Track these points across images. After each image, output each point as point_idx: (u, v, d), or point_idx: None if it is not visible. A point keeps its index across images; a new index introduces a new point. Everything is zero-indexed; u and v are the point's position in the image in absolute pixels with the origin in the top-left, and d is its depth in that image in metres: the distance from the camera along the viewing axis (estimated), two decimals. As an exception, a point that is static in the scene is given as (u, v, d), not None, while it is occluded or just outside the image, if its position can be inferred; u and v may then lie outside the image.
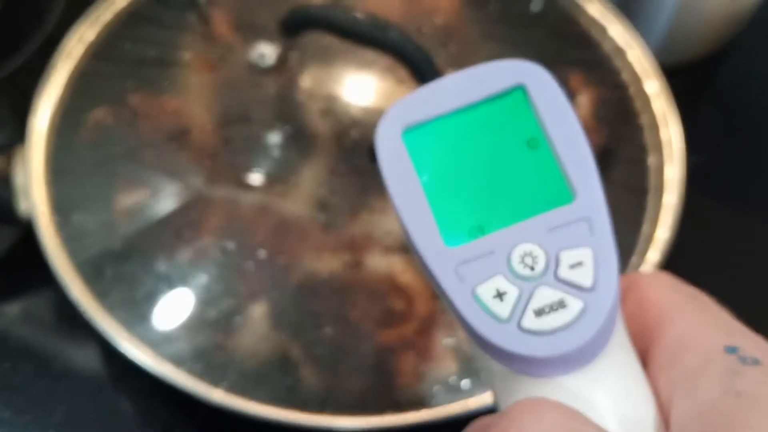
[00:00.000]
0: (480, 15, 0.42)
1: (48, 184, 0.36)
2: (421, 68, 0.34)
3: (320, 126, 0.37)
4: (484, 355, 0.19)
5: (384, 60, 0.38)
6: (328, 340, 0.32)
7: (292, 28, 0.36)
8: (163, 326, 0.33)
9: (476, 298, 0.18)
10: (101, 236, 0.35)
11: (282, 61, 0.38)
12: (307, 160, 0.36)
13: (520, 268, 0.18)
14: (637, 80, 0.40)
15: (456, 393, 0.32)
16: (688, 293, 0.19)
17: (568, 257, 0.18)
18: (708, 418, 0.16)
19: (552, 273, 0.18)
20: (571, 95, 0.39)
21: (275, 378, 0.32)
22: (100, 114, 0.38)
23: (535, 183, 0.19)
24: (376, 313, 0.33)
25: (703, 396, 0.17)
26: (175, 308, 0.33)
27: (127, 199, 0.36)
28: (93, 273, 0.34)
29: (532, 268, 0.18)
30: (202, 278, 0.33)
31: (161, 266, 0.34)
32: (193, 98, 0.38)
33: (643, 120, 0.39)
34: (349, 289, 0.34)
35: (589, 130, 0.38)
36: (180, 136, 0.37)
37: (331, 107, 0.37)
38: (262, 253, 0.34)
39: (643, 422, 0.18)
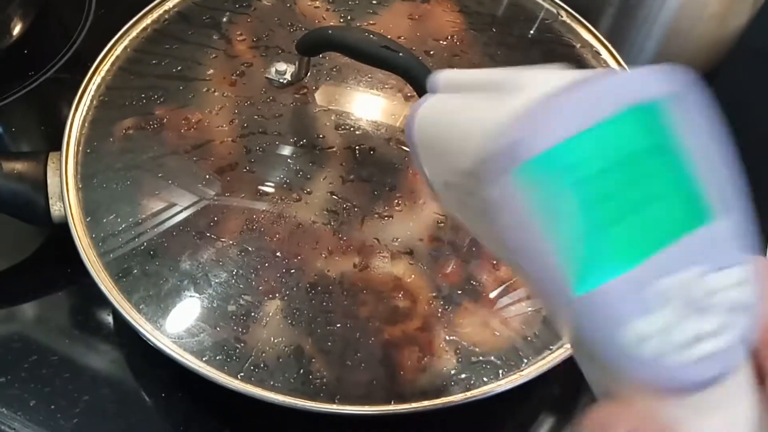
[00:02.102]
0: (482, 38, 0.44)
1: (79, 189, 0.39)
2: (426, 87, 0.37)
3: (333, 139, 0.40)
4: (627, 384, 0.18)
5: (393, 78, 0.41)
6: (338, 335, 0.35)
7: (309, 48, 0.39)
8: (185, 321, 0.35)
9: (622, 338, 0.17)
10: (128, 237, 0.37)
11: (298, 78, 0.41)
12: (320, 170, 0.39)
13: (679, 299, 0.17)
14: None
15: (455, 385, 0.34)
16: None
17: (722, 278, 0.17)
18: None
19: (710, 295, 0.17)
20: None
21: (289, 370, 0.34)
22: (127, 124, 0.41)
23: (675, 201, 0.17)
24: (382, 311, 0.35)
25: None
26: (196, 304, 0.35)
27: (153, 204, 0.38)
28: (121, 271, 0.36)
29: (692, 296, 0.17)
30: (222, 277, 0.36)
31: (184, 265, 0.36)
32: (215, 111, 0.41)
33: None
34: (357, 289, 0.36)
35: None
36: (202, 146, 0.40)
37: (344, 121, 0.40)
38: (278, 255, 0.36)
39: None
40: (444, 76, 0.24)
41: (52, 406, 0.39)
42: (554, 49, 0.45)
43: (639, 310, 0.17)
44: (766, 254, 0.46)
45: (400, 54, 0.35)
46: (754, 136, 0.54)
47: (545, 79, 0.18)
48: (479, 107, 0.19)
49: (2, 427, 0.38)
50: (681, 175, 0.17)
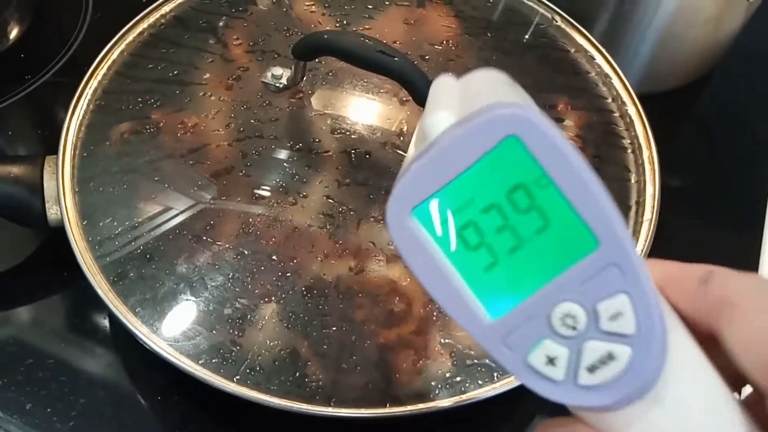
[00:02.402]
0: (477, 43, 0.45)
1: (76, 193, 0.39)
2: (422, 93, 0.37)
3: (329, 143, 0.40)
4: None
5: (389, 83, 0.41)
6: (333, 338, 0.35)
7: (305, 53, 0.39)
8: (181, 324, 0.35)
9: (529, 366, 0.19)
10: (125, 241, 0.37)
11: (294, 83, 0.41)
12: (316, 174, 0.39)
13: (563, 330, 0.18)
14: (621, 105, 0.43)
15: (450, 388, 0.34)
16: (754, 280, 0.19)
17: (606, 308, 0.18)
18: None
19: (594, 327, 0.18)
20: (559, 119, 0.42)
21: (285, 373, 0.34)
22: (124, 128, 0.41)
23: (557, 235, 0.19)
24: (378, 314, 0.36)
25: None
26: (192, 308, 0.36)
27: (149, 207, 0.38)
28: (117, 274, 0.36)
29: (574, 328, 0.18)
30: (219, 280, 0.36)
31: (180, 269, 0.36)
32: (211, 115, 0.41)
33: (626, 142, 0.42)
34: (353, 292, 0.36)
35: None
36: (198, 150, 0.40)
37: (339, 125, 0.40)
38: (273, 259, 0.36)
39: (723, 414, 0.18)
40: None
41: (49, 409, 0.39)
42: (549, 53, 0.46)
43: (534, 339, 0.19)
44: (760, 255, 0.46)
45: (396, 59, 0.35)
46: (748, 139, 0.55)
47: (438, 123, 0.20)
48: (408, 159, 0.22)
49: (-2, 431, 0.38)
50: (557, 205, 0.19)
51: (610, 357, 0.18)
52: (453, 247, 0.19)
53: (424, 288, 0.19)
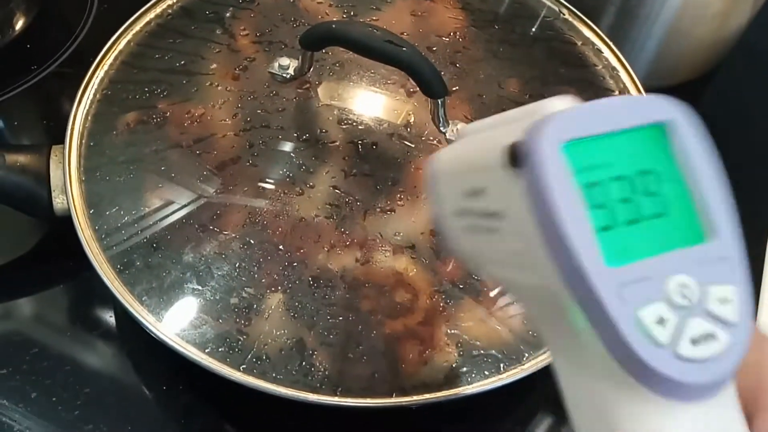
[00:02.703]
0: (485, 35, 0.45)
1: (82, 182, 0.39)
2: (430, 83, 0.37)
3: (335, 133, 0.40)
4: (610, 373, 0.19)
5: (396, 74, 0.41)
6: (340, 328, 0.35)
7: (312, 43, 0.39)
8: (188, 313, 0.35)
9: (638, 321, 0.18)
10: (131, 230, 0.37)
11: (301, 73, 0.41)
12: (322, 165, 0.39)
13: (678, 298, 0.19)
14: (628, 99, 0.43)
15: (457, 378, 0.34)
16: None
17: (717, 292, 0.19)
18: None
19: (703, 305, 0.19)
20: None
21: (291, 362, 0.34)
22: (130, 118, 0.41)
23: (675, 215, 0.20)
24: (384, 305, 0.35)
25: None
26: (199, 297, 0.36)
27: (155, 196, 0.38)
28: (123, 263, 0.36)
29: (689, 299, 0.19)
30: (225, 269, 0.36)
31: (187, 258, 0.36)
32: (218, 105, 0.41)
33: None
34: (359, 283, 0.36)
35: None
36: (205, 140, 0.40)
37: (346, 116, 0.40)
38: (280, 249, 0.36)
39: None
40: (463, 127, 0.27)
41: (54, 398, 0.39)
42: (556, 46, 0.46)
43: (649, 298, 0.19)
44: (766, 249, 0.46)
45: (404, 49, 0.35)
46: (753, 135, 0.55)
47: (559, 104, 0.21)
48: (502, 131, 0.21)
49: (3, 419, 0.38)
50: (686, 194, 0.20)
51: (712, 336, 0.19)
52: (586, 196, 0.19)
53: (547, 219, 0.19)
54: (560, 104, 0.21)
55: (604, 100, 0.20)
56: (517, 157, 0.20)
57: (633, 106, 0.20)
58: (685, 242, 0.19)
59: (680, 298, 0.19)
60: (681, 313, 0.19)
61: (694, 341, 0.19)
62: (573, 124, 0.19)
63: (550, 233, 0.19)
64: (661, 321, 0.19)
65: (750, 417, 0.20)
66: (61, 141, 0.40)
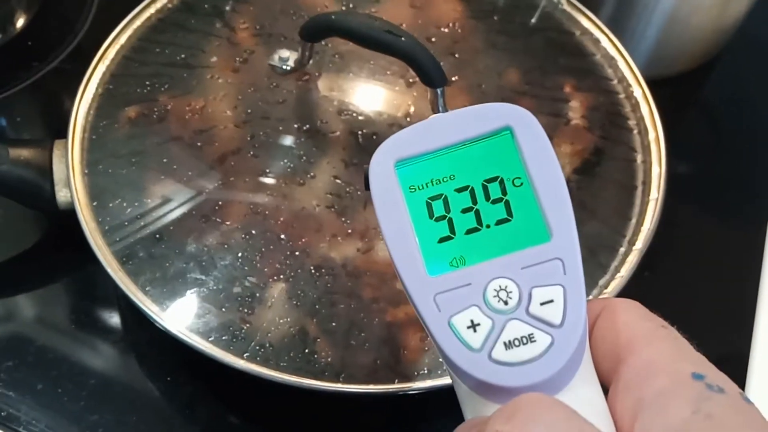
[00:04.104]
0: (483, 26, 0.45)
1: (85, 175, 0.39)
2: (429, 73, 0.37)
3: (336, 124, 0.40)
4: (455, 380, 0.20)
5: (395, 65, 0.41)
6: (342, 316, 0.35)
7: (312, 34, 0.39)
8: (191, 302, 0.35)
9: (451, 326, 0.19)
10: (134, 221, 0.37)
11: (301, 65, 0.41)
12: (323, 155, 0.39)
13: (494, 302, 0.19)
14: (626, 87, 0.43)
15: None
16: (659, 323, 0.20)
17: (539, 294, 0.19)
18: None
19: (524, 308, 0.19)
20: (566, 100, 0.43)
21: (294, 349, 0.34)
22: (132, 111, 0.41)
23: (515, 221, 0.20)
24: (386, 293, 0.36)
25: (673, 415, 0.18)
26: (202, 286, 0.36)
27: (158, 188, 0.38)
28: (127, 254, 0.37)
29: (506, 303, 0.19)
30: (228, 259, 0.36)
31: (190, 248, 0.37)
32: (218, 98, 0.41)
33: (632, 123, 0.42)
34: (361, 272, 0.36)
35: (582, 132, 0.41)
36: (206, 132, 0.40)
37: (346, 107, 0.40)
38: (282, 238, 0.37)
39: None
40: None
41: (59, 390, 0.39)
42: (555, 37, 0.46)
43: (464, 304, 0.19)
44: (766, 237, 0.46)
45: (403, 39, 0.36)
46: (752, 125, 0.55)
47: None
48: None
49: (10, 411, 0.38)
50: (523, 196, 0.20)
51: (530, 339, 0.19)
52: (417, 210, 0.21)
53: (382, 234, 0.20)
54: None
55: (441, 115, 0.21)
56: (366, 180, 0.22)
57: (473, 117, 0.21)
58: (524, 245, 0.20)
59: (497, 302, 0.19)
60: (497, 316, 0.19)
61: (508, 344, 0.19)
62: (405, 143, 0.21)
63: (387, 248, 0.20)
64: (473, 326, 0.19)
65: (609, 381, 0.20)
66: (63, 136, 0.40)
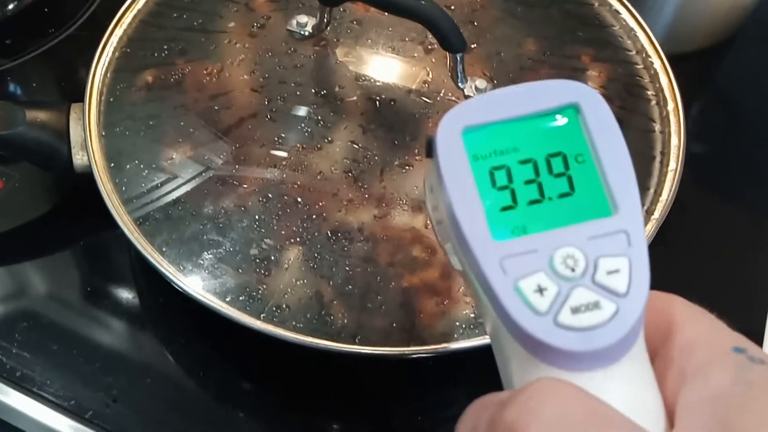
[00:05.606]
0: (502, -6, 0.45)
1: (102, 137, 0.39)
2: (449, 37, 0.37)
3: (353, 90, 0.40)
4: (511, 343, 0.20)
5: (413, 31, 0.41)
6: (358, 279, 0.35)
7: (331, -1, 0.39)
8: (207, 263, 0.35)
9: (517, 290, 0.20)
10: (151, 183, 0.37)
11: (319, 30, 0.41)
12: (340, 120, 0.39)
13: (561, 269, 0.20)
14: (645, 58, 0.43)
15: (473, 329, 0.35)
16: (698, 309, 0.21)
17: (606, 264, 0.20)
18: (720, 401, 0.18)
19: (590, 277, 0.20)
20: (584, 70, 0.42)
21: (310, 311, 0.34)
22: (149, 75, 0.41)
23: (581, 194, 0.21)
24: (402, 259, 0.36)
25: (715, 383, 0.19)
26: (219, 248, 0.36)
27: (174, 151, 0.38)
28: (144, 216, 0.36)
29: (573, 270, 0.20)
30: (245, 222, 0.36)
31: (206, 210, 0.37)
32: (236, 62, 0.41)
33: (650, 94, 0.42)
34: (377, 237, 0.36)
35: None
36: (223, 96, 0.40)
37: (364, 73, 0.40)
38: (299, 202, 0.37)
39: (651, 422, 0.19)
40: None
41: (74, 351, 0.39)
42: (573, 8, 0.45)
43: (531, 269, 0.20)
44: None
45: (423, 2, 0.35)
46: (767, 103, 0.55)
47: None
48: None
49: (24, 371, 0.38)
50: (589, 170, 0.21)
51: (596, 306, 0.20)
52: (481, 178, 0.21)
53: (447, 199, 0.21)
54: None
55: (510, 88, 0.22)
56: (429, 147, 0.22)
57: (541, 92, 0.22)
58: (587, 218, 0.20)
59: (564, 269, 0.20)
60: (564, 283, 0.20)
61: (575, 310, 0.19)
62: (473, 112, 0.21)
63: (449, 213, 0.21)
64: (539, 290, 0.20)
65: (653, 358, 0.21)
66: (79, 102, 0.40)
